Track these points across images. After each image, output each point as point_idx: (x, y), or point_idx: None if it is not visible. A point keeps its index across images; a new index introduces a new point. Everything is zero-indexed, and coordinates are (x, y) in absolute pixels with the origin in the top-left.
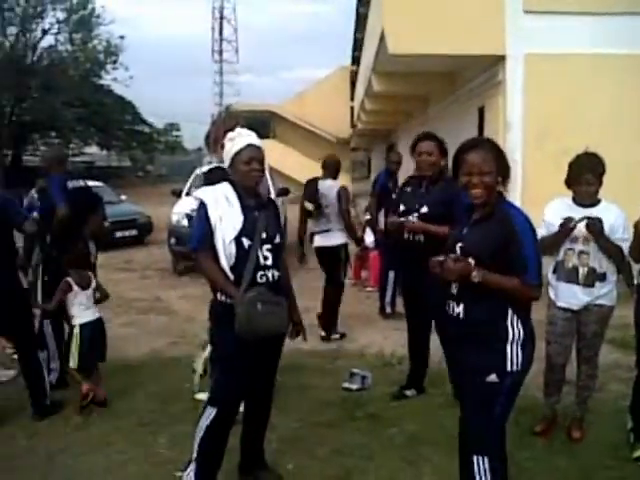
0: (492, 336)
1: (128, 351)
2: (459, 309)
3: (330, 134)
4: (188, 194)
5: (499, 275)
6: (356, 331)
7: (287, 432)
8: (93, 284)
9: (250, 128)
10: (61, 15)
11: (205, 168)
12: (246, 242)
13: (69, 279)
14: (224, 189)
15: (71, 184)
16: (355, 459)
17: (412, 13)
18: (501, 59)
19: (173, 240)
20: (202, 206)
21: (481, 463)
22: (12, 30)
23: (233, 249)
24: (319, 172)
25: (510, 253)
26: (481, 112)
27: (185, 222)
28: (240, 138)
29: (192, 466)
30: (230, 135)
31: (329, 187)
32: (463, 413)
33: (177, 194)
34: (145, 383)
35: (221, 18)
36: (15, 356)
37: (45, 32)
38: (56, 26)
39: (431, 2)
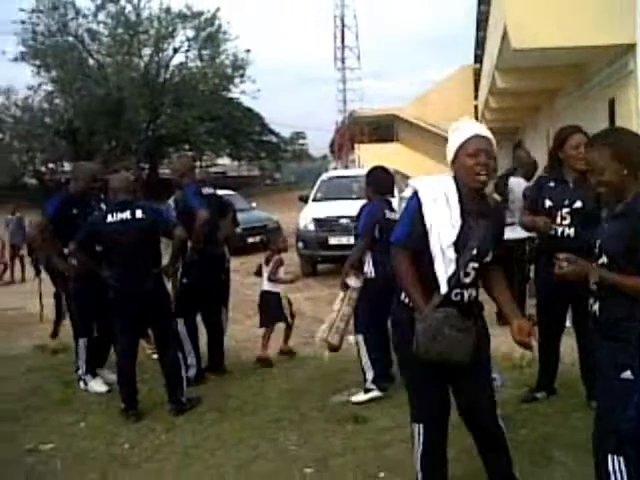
0: (626, 333)
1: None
2: (596, 307)
3: None
4: (315, 200)
5: (617, 274)
6: None
7: None
8: None
9: (374, 133)
10: (190, 33)
11: (331, 173)
12: (452, 254)
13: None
14: (446, 185)
15: (204, 191)
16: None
17: (534, 6)
18: (631, 48)
19: (301, 244)
20: (416, 199)
21: (616, 463)
22: (146, 51)
23: (452, 254)
24: (442, 173)
25: None
26: (612, 104)
27: (312, 227)
28: (465, 128)
29: None
30: (454, 125)
31: (518, 184)
32: (597, 411)
33: (304, 200)
34: (277, 381)
35: (342, 26)
36: (155, 356)
37: (176, 51)
38: (186, 44)
39: None
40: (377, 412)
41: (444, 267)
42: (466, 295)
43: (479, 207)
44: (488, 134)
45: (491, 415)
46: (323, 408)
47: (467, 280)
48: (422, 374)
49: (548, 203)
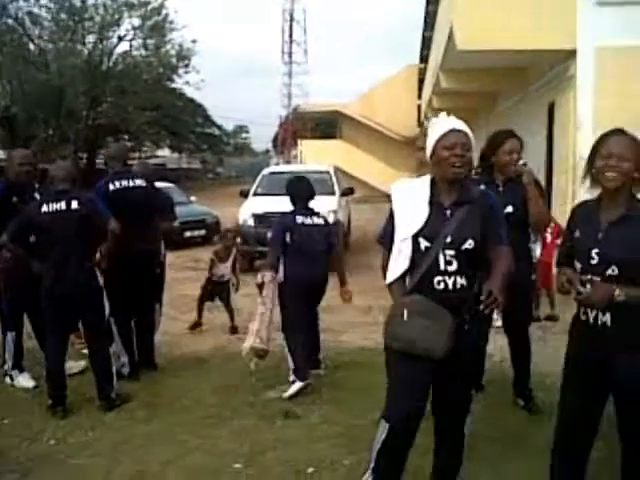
0: None
1: (194, 347)
2: (606, 318)
3: (396, 133)
4: (255, 194)
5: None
6: None
7: (347, 428)
8: None
9: (318, 129)
10: (136, 22)
11: (272, 169)
12: (424, 243)
13: None
14: (419, 182)
15: (133, 182)
16: (413, 456)
17: (481, 8)
18: (572, 53)
19: (239, 239)
20: (390, 200)
21: None
22: (90, 38)
23: (407, 249)
24: (384, 172)
25: None
26: (551, 109)
27: (251, 222)
28: (443, 123)
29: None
30: (433, 121)
31: None
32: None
33: (245, 195)
34: (210, 377)
35: (291, 20)
36: (85, 351)
37: (121, 39)
38: (131, 32)
39: None
40: (308, 408)
41: (402, 258)
42: (450, 283)
43: (458, 197)
44: (465, 128)
45: (460, 420)
46: (255, 404)
47: (450, 268)
48: (399, 372)
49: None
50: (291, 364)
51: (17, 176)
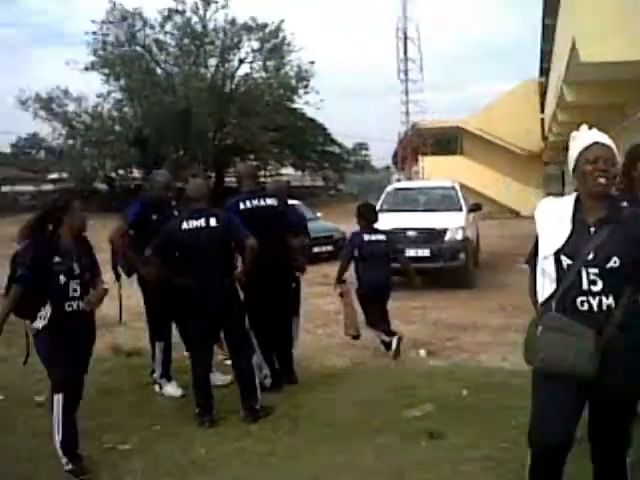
0: None
1: (332, 361)
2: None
3: (520, 147)
4: (381, 210)
5: None
6: None
7: (493, 451)
8: None
9: (438, 145)
10: (255, 44)
11: (397, 185)
12: (566, 261)
13: None
14: (565, 199)
15: (260, 202)
16: None
17: (603, 20)
18: None
19: None
20: (534, 219)
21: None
22: (212, 62)
23: (550, 267)
24: (511, 186)
25: None
26: None
27: None
28: (585, 136)
29: None
30: (573, 134)
31: None
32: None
33: None
34: (351, 392)
35: (405, 37)
36: (228, 362)
37: (241, 61)
38: (251, 55)
39: (623, 5)
40: (452, 428)
41: (547, 278)
42: (595, 304)
43: (605, 215)
44: (609, 142)
45: (619, 448)
46: (396, 421)
47: (595, 288)
48: (541, 394)
49: None
50: (380, 334)
51: (159, 195)
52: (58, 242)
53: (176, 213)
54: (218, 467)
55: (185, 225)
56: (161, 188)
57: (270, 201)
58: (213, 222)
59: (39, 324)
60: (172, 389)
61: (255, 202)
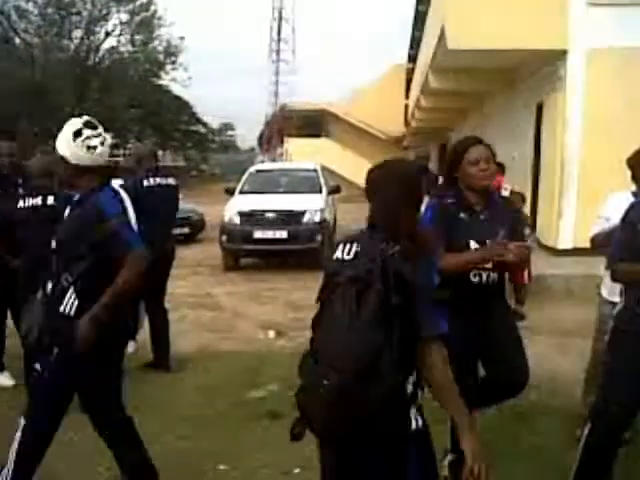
0: None
1: (179, 345)
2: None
3: (383, 132)
4: (242, 192)
5: None
6: None
7: None
8: None
9: (304, 127)
10: (124, 17)
11: (258, 166)
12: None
13: None
14: None
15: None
16: None
17: (473, 8)
18: (563, 54)
19: (225, 237)
20: None
21: None
22: (77, 34)
23: None
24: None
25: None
26: (539, 109)
27: (237, 220)
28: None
29: None
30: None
31: None
32: None
33: (230, 192)
34: (195, 377)
35: (280, 18)
36: None
37: (108, 34)
38: (119, 28)
39: None
40: (295, 408)
41: None
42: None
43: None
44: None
45: None
46: (240, 404)
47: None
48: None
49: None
50: None
51: (7, 169)
52: None
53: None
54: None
55: (22, 203)
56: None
57: (171, 180)
58: (50, 201)
59: None
60: (3, 379)
61: (158, 180)
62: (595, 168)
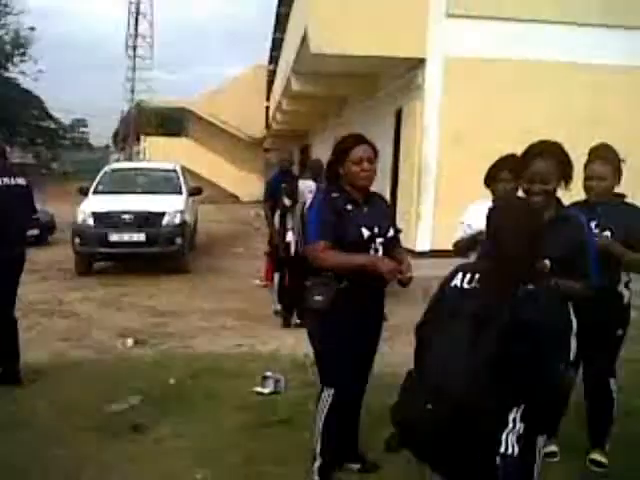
0: None
1: (29, 357)
2: None
3: (244, 133)
4: (96, 192)
5: None
6: (268, 333)
7: (197, 439)
8: None
9: (162, 125)
10: None
11: (115, 165)
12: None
13: None
14: None
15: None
16: (269, 466)
17: (336, 14)
18: (421, 62)
19: (77, 240)
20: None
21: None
22: None
23: None
24: (232, 171)
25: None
26: (398, 115)
27: (91, 221)
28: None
29: None
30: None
31: (308, 187)
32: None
33: (84, 192)
34: (48, 391)
35: (137, 13)
36: None
37: None
38: None
39: (354, 3)
40: (157, 420)
41: None
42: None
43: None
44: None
45: None
46: (99, 418)
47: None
48: None
49: (365, 232)
50: None
51: None
52: None
53: None
54: None
55: None
56: None
57: (20, 180)
58: None
59: None
60: None
61: (6, 180)
62: (451, 175)
